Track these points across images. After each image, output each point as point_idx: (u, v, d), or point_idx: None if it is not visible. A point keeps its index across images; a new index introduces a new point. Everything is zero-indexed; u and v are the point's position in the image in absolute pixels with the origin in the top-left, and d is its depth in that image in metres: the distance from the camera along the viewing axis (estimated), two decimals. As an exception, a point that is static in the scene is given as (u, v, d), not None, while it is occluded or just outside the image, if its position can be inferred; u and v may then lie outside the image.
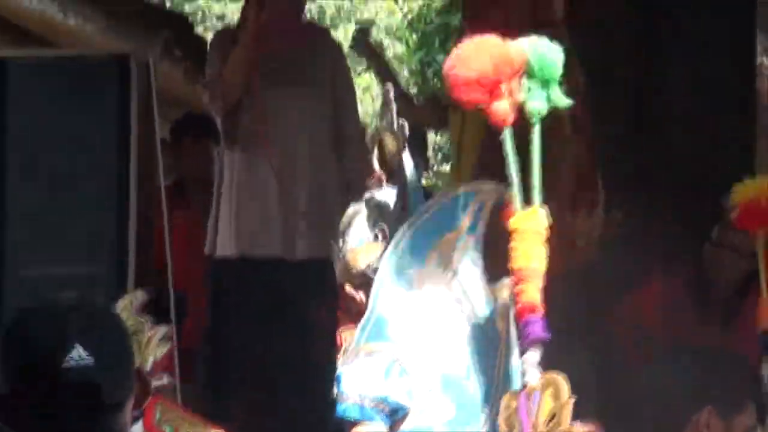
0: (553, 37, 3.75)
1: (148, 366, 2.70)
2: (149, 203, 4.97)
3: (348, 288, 4.32)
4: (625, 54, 5.15)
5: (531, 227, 2.30)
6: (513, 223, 2.32)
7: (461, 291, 2.44)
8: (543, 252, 2.30)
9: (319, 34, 4.85)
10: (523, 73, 2.42)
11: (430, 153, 11.15)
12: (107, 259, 4.83)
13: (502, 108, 2.38)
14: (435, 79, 14.32)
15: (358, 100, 20.78)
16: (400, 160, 2.66)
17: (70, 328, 1.87)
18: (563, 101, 2.45)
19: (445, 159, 15.05)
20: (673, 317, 4.44)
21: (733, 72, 5.36)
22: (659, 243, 4.74)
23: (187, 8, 20.57)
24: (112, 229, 4.85)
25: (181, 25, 5.75)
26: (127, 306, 2.88)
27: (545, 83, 2.41)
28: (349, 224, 4.21)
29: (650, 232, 4.70)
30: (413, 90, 15.39)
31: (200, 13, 20.49)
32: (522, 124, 2.44)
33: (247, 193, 4.54)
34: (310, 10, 21.88)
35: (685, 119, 5.20)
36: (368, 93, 22.39)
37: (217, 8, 19.96)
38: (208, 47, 4.77)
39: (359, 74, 22.74)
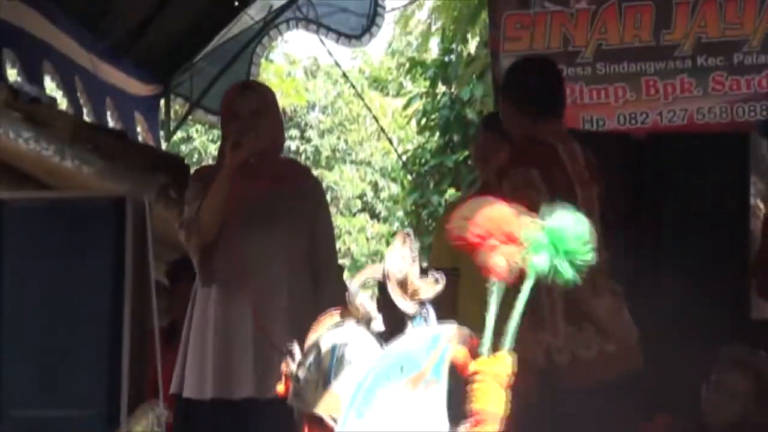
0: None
1: None
2: (143, 345, 4.95)
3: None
4: (623, 193, 5.21)
5: (495, 371, 2.32)
6: (477, 365, 2.35)
7: None
8: (503, 397, 2.32)
9: (299, 172, 4.78)
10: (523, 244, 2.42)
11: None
12: (100, 401, 4.80)
13: (498, 263, 2.38)
14: (429, 221, 14.39)
15: (353, 240, 20.66)
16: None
17: None
18: (568, 274, 2.41)
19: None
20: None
21: (727, 213, 5.42)
22: (659, 385, 4.75)
23: (183, 149, 20.74)
24: (105, 370, 4.83)
25: (177, 166, 5.78)
26: (152, 422, 2.85)
27: (555, 253, 2.39)
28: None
29: (649, 375, 4.71)
30: (407, 229, 15.43)
31: (196, 154, 20.67)
32: None
33: (223, 331, 4.46)
34: (306, 150, 22.12)
35: (681, 259, 5.24)
36: (363, 233, 22.53)
37: (213, 149, 20.11)
38: (188, 185, 4.71)
39: (354, 215, 22.89)
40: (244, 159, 4.45)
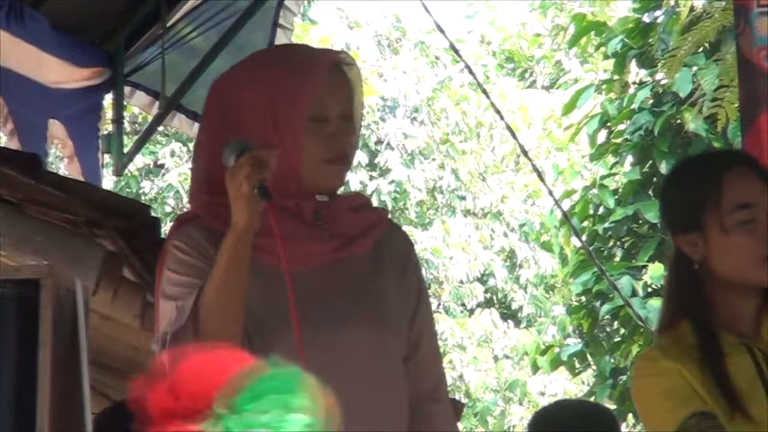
0: None
1: None
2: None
3: None
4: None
5: None
6: None
7: None
8: None
9: (377, 220, 4.75)
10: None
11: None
12: None
13: None
14: (615, 325, 14.53)
15: (471, 361, 20.78)
16: None
17: None
18: None
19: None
20: None
21: None
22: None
23: (149, 187, 20.84)
24: None
25: (136, 221, 5.91)
26: None
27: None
28: None
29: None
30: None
31: (173, 196, 20.71)
32: None
33: None
34: (378, 188, 22.27)
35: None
36: (486, 347, 22.67)
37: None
38: (166, 254, 4.73)
39: (471, 312, 22.99)
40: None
